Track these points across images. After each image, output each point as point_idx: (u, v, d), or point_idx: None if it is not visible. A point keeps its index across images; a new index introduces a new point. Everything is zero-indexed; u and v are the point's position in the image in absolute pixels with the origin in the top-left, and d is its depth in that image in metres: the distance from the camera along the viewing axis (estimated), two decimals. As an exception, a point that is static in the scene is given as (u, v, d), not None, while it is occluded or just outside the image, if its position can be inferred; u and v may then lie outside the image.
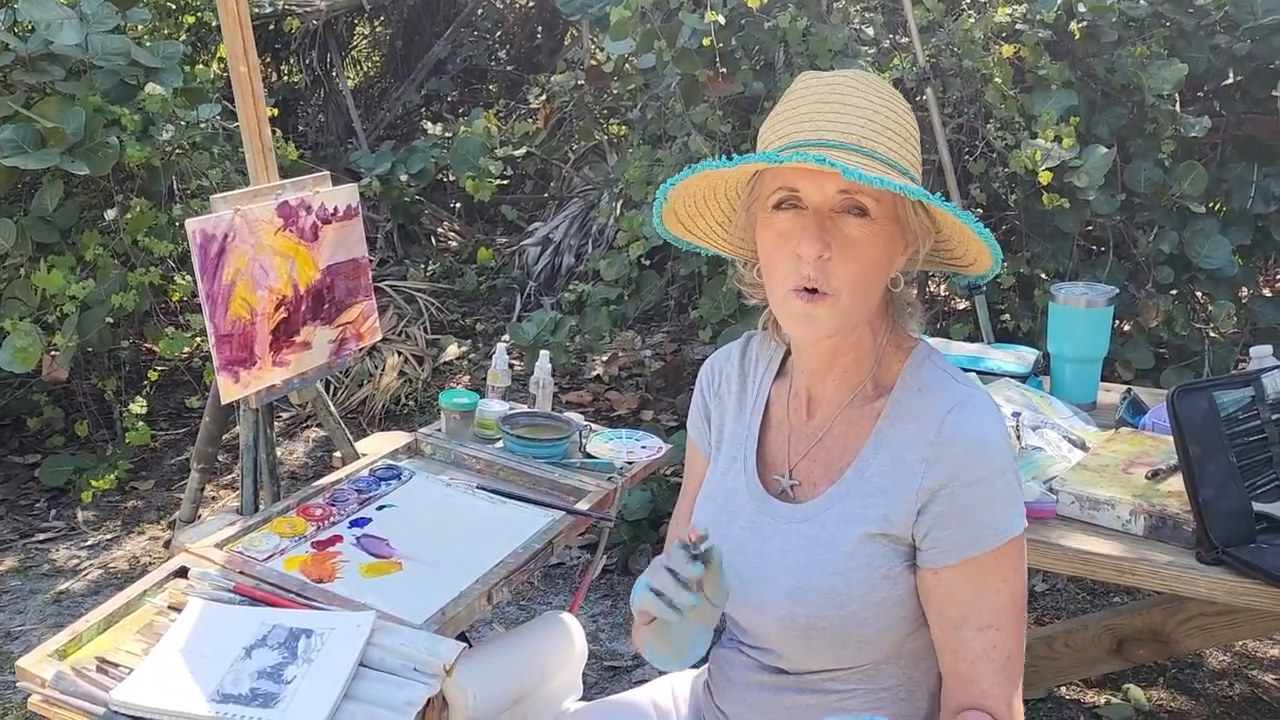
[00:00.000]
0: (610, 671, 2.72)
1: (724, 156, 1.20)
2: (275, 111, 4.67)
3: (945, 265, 1.32)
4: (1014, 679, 1.22)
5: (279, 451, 3.87)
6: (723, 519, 1.35)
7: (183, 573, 1.66)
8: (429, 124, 5.10)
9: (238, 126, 2.01)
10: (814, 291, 1.18)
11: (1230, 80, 3.43)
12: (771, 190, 1.21)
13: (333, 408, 2.25)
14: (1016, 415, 1.93)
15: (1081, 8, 3.27)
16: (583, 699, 1.80)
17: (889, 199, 1.19)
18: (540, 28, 6.24)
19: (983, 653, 1.21)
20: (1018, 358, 2.27)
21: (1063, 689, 2.56)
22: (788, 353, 1.38)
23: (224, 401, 1.92)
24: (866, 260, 1.19)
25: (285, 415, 4.15)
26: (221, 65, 4.10)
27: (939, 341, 2.45)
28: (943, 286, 3.94)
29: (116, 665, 1.45)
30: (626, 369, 4.39)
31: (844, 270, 1.18)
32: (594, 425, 2.22)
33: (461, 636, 1.76)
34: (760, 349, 1.42)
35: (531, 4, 6.26)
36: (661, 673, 1.61)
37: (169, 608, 1.57)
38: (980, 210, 3.37)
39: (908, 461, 1.22)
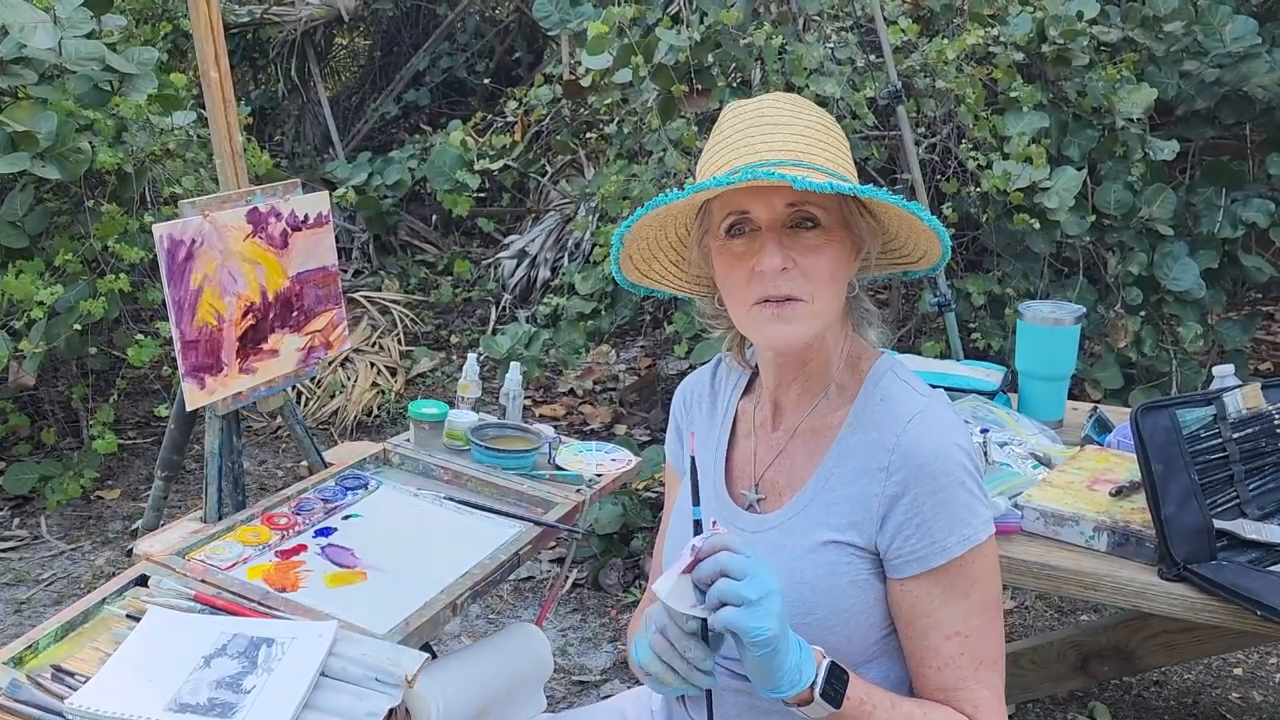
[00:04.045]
0: (578, 686, 2.71)
1: (674, 189, 1.22)
2: (250, 120, 4.65)
3: (896, 265, 1.34)
4: (985, 678, 1.22)
5: (253, 461, 3.84)
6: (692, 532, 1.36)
7: (143, 581, 1.64)
8: (406, 135, 5.09)
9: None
10: (786, 300, 1.20)
11: (1199, 106, 3.48)
12: (721, 218, 1.24)
13: (299, 416, 2.23)
14: (985, 431, 1.95)
15: (1053, 31, 3.31)
16: (548, 713, 1.79)
17: (835, 207, 1.22)
18: (520, 41, 6.25)
19: (950, 659, 1.21)
20: (986, 374, 2.28)
21: (1029, 706, 2.56)
22: (756, 371, 1.40)
23: (189, 408, 1.90)
24: (828, 265, 1.21)
25: (257, 425, 4.12)
26: (198, 72, 4.08)
27: (908, 357, 2.47)
28: (916, 303, 3.97)
29: (73, 674, 1.43)
30: (600, 383, 4.39)
31: (811, 275, 1.20)
32: (564, 437, 2.22)
33: (426, 648, 1.75)
34: (729, 369, 1.44)
35: (511, 18, 6.27)
36: (629, 688, 1.60)
37: (128, 616, 1.55)
38: (952, 230, 3.41)
39: (869, 470, 1.23)
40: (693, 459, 1.16)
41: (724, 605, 1.08)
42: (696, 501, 1.15)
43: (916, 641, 1.23)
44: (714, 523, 1.14)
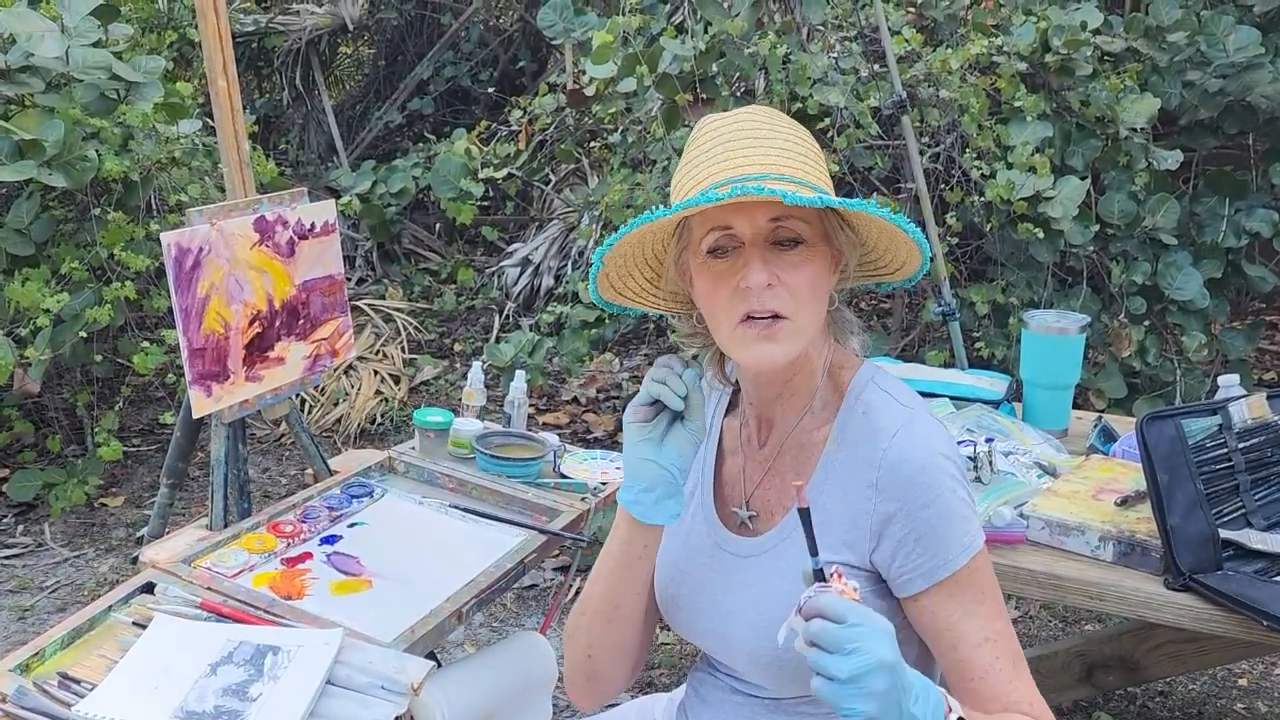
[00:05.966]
0: (582, 694, 2.70)
1: (658, 207, 1.19)
2: (255, 128, 4.66)
3: (870, 277, 1.33)
4: (1026, 674, 1.21)
5: (256, 469, 3.84)
6: (683, 557, 1.35)
7: (149, 588, 1.64)
8: (410, 144, 5.10)
9: (217, 142, 2.01)
10: (774, 318, 1.19)
11: (1203, 116, 3.49)
12: (702, 234, 1.21)
13: (305, 423, 2.24)
14: (990, 440, 1.95)
15: (1056, 41, 3.32)
16: (552, 721, 1.80)
17: (817, 221, 1.21)
18: (524, 50, 6.27)
19: (988, 666, 1.19)
20: (990, 383, 2.29)
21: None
22: (737, 387, 1.38)
23: (196, 416, 1.90)
24: (810, 281, 1.20)
25: (260, 433, 4.12)
26: (203, 81, 4.09)
27: (912, 367, 2.47)
28: (920, 312, 3.97)
29: (79, 681, 1.43)
30: (604, 391, 4.39)
31: (795, 291, 1.19)
32: (569, 445, 2.22)
33: (431, 656, 1.75)
34: (710, 386, 1.40)
35: (515, 27, 6.29)
36: (633, 697, 1.60)
37: (134, 623, 1.55)
38: (956, 239, 3.41)
39: (858, 487, 1.22)
40: (806, 510, 1.09)
41: (817, 675, 1.03)
42: (814, 552, 1.08)
43: (949, 656, 1.21)
44: (836, 573, 1.07)
